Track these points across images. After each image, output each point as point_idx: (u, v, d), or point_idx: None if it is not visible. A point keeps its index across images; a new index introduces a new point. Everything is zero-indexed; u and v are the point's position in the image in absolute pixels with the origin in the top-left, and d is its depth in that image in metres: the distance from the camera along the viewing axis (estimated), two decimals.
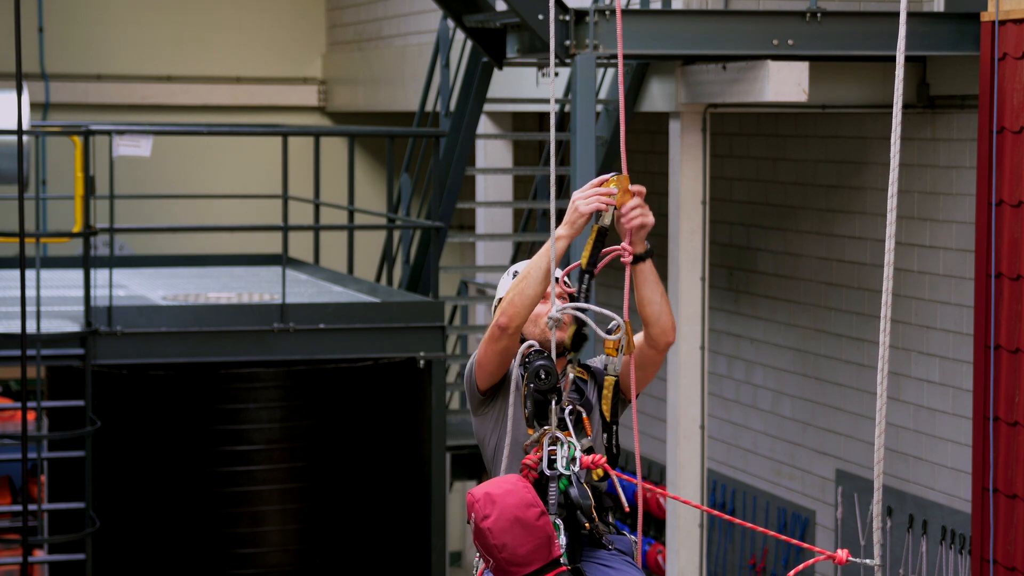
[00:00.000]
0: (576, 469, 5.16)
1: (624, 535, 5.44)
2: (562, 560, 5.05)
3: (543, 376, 5.20)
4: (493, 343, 5.34)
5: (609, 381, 5.29)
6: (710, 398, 12.55)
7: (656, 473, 14.14)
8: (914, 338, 11.30)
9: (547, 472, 5.17)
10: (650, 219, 5.28)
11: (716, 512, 5.03)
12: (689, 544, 11.16)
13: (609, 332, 5.23)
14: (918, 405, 11.31)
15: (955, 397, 10.96)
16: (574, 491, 5.17)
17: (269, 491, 11.47)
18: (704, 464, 11.11)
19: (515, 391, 5.43)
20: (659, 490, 5.60)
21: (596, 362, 5.55)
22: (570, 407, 5.24)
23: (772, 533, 4.68)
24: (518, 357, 5.30)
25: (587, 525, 5.17)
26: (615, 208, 5.26)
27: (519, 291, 5.27)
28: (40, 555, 11.16)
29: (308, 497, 11.53)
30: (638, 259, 5.32)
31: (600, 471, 5.18)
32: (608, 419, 5.35)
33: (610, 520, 5.43)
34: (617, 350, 5.24)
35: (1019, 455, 9.14)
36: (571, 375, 5.39)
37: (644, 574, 5.41)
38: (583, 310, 5.28)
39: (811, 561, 4.59)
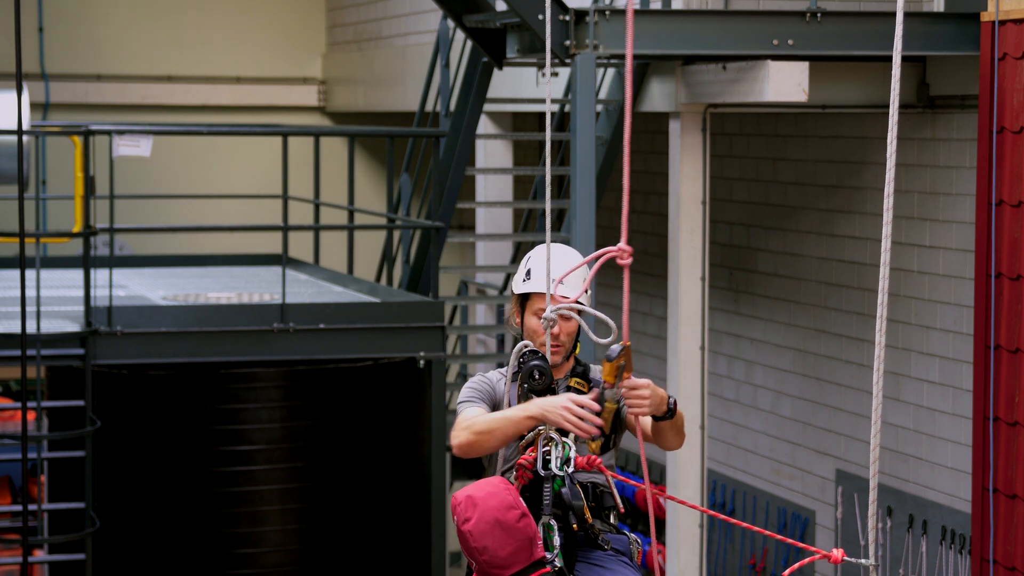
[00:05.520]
0: (570, 470, 5.15)
1: (624, 534, 5.42)
2: (547, 560, 5.04)
3: (537, 376, 5.20)
4: (463, 454, 5.26)
5: (610, 408, 5.09)
6: (710, 398, 12.54)
7: (656, 473, 14.12)
8: (914, 338, 11.30)
9: (541, 472, 5.16)
10: (645, 408, 5.05)
11: (713, 512, 5.03)
12: (689, 544, 11.16)
13: (608, 356, 5.00)
14: (918, 405, 11.30)
15: (955, 397, 10.95)
16: (566, 492, 5.16)
17: (269, 491, 11.46)
18: (704, 464, 11.11)
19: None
20: (658, 490, 5.59)
21: (597, 372, 5.40)
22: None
23: (769, 533, 4.68)
24: (513, 357, 5.31)
25: (574, 526, 5.16)
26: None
27: (489, 431, 5.14)
28: (40, 555, 11.16)
29: (308, 497, 11.53)
30: (661, 418, 5.18)
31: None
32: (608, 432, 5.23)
33: (612, 521, 5.41)
34: (616, 376, 5.00)
35: (1019, 455, 9.14)
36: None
37: (641, 574, 5.40)
38: (580, 312, 5.27)
39: (806, 560, 4.59)
